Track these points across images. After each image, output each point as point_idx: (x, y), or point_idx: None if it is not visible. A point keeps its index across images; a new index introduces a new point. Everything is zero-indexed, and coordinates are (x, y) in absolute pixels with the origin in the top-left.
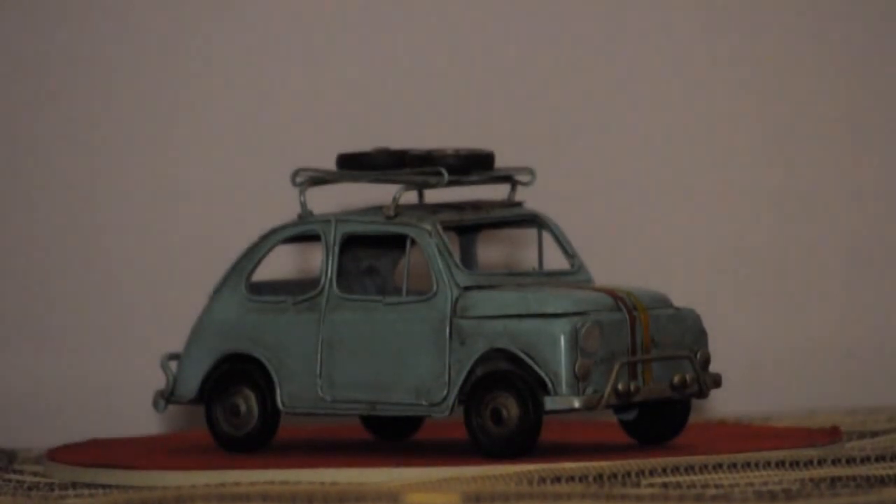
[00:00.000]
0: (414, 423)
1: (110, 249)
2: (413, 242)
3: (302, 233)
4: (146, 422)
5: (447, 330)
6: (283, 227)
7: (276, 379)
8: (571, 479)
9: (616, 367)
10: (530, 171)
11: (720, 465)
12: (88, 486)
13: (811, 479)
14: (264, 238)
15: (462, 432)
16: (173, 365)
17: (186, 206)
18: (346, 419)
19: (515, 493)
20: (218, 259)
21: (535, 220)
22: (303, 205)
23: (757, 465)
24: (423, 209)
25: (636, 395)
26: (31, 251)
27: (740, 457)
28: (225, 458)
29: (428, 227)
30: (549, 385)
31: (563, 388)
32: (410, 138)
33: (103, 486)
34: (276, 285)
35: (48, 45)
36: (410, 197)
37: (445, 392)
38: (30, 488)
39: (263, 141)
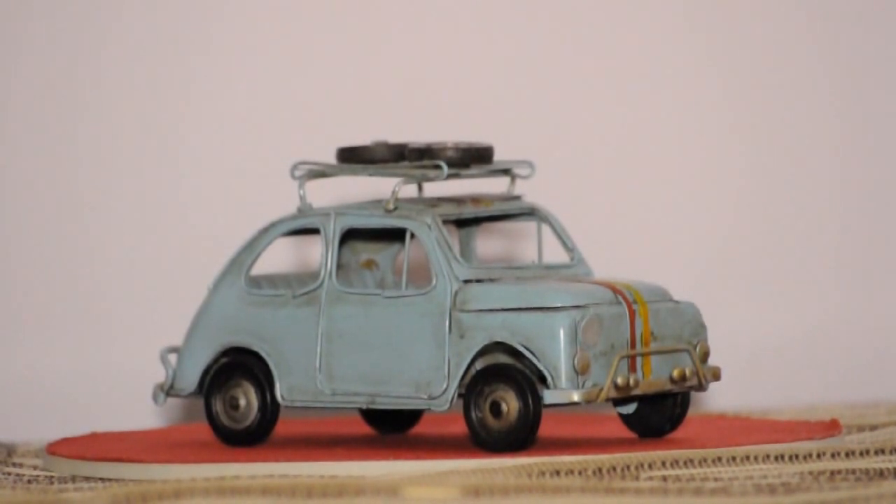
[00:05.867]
0: (413, 416)
1: (109, 243)
2: (412, 236)
3: (301, 226)
4: (146, 415)
5: (446, 323)
6: (283, 221)
7: (275, 372)
8: (571, 472)
9: (615, 360)
10: (529, 165)
11: (719, 459)
12: (88, 479)
13: (810, 473)
14: (264, 231)
15: (461, 426)
16: (173, 358)
17: (186, 200)
18: (346, 412)
19: (515, 487)
20: (217, 252)
21: (534, 214)
22: (302, 198)
23: (756, 458)
24: (423, 202)
25: (636, 388)
26: (29, 245)
27: (739, 450)
28: (224, 452)
29: (427, 220)
30: (549, 378)
31: (563, 381)
32: (410, 132)
33: (103, 480)
34: (275, 279)
35: (50, 43)
36: (410, 190)
37: (445, 385)
38: (29, 481)
39: (263, 134)
